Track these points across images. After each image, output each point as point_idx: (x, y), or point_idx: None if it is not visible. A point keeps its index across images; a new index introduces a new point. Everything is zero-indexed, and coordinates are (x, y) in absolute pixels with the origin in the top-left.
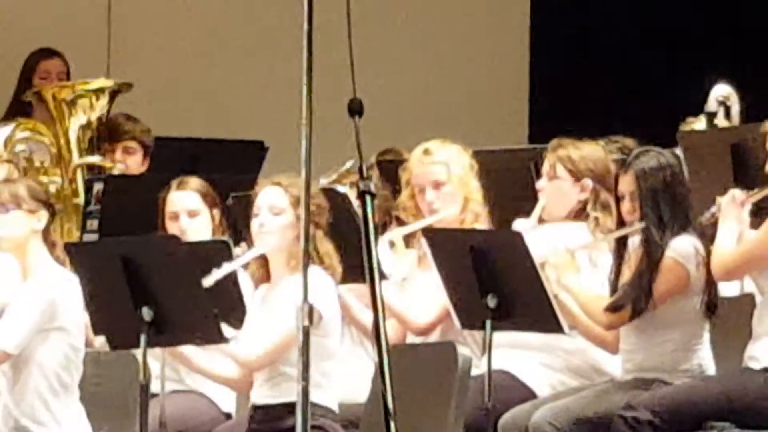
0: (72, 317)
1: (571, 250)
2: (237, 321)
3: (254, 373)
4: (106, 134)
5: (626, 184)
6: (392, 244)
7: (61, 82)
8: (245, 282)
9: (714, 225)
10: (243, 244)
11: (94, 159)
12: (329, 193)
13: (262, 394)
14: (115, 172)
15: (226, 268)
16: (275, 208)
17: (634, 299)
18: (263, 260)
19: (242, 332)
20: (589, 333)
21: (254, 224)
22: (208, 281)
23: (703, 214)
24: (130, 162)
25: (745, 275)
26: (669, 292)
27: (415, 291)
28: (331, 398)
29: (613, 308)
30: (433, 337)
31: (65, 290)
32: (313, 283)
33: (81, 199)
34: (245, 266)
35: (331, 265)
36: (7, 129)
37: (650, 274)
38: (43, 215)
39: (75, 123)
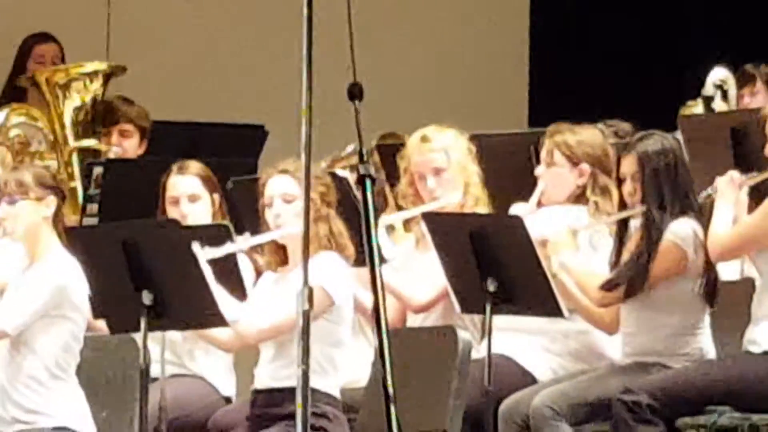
0: (77, 306)
1: (573, 229)
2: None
3: (261, 352)
4: (101, 117)
5: (628, 166)
6: (391, 229)
7: (56, 66)
8: (246, 269)
9: (711, 206)
10: (246, 234)
11: (90, 142)
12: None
13: (267, 376)
14: (111, 155)
15: (230, 248)
16: (287, 196)
17: (630, 279)
18: (278, 246)
19: (244, 310)
20: (588, 314)
21: (269, 215)
22: (209, 254)
23: (700, 194)
24: (127, 145)
25: (739, 257)
26: (665, 273)
27: (414, 270)
28: (334, 385)
29: (608, 286)
30: (433, 320)
31: (74, 279)
32: (327, 269)
33: (77, 183)
34: (255, 251)
35: (346, 245)
36: (1, 114)
37: (648, 256)
38: (52, 201)
39: (69, 106)
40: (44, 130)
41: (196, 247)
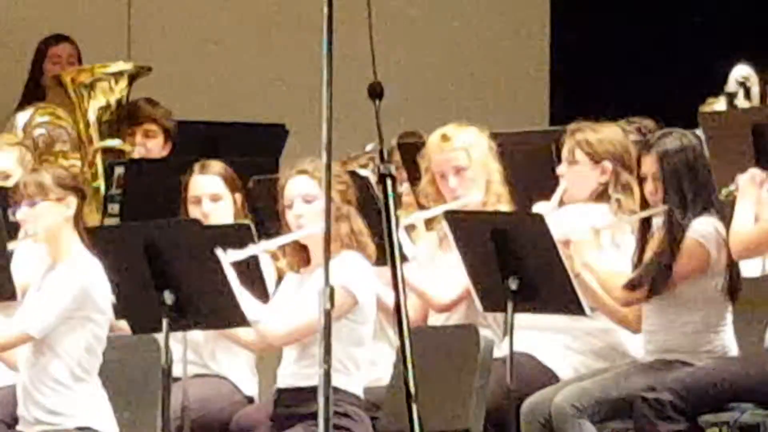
0: (100, 308)
1: (596, 229)
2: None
3: (283, 352)
4: (126, 118)
5: (649, 165)
6: (412, 228)
7: (72, 66)
8: (268, 269)
9: (732, 203)
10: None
11: (114, 143)
12: (350, 176)
13: (290, 376)
14: (135, 155)
15: (253, 249)
16: (308, 196)
17: (653, 278)
18: (300, 246)
19: (267, 312)
20: (611, 312)
21: (290, 216)
22: (232, 256)
23: (721, 191)
24: (151, 145)
25: (761, 254)
26: (689, 272)
27: (437, 270)
28: (357, 384)
29: (632, 286)
30: (456, 319)
31: (96, 280)
32: (350, 268)
33: (100, 183)
34: (277, 252)
35: (367, 244)
36: (26, 114)
37: (671, 254)
38: (72, 201)
39: (94, 106)
40: (69, 130)
41: (219, 250)
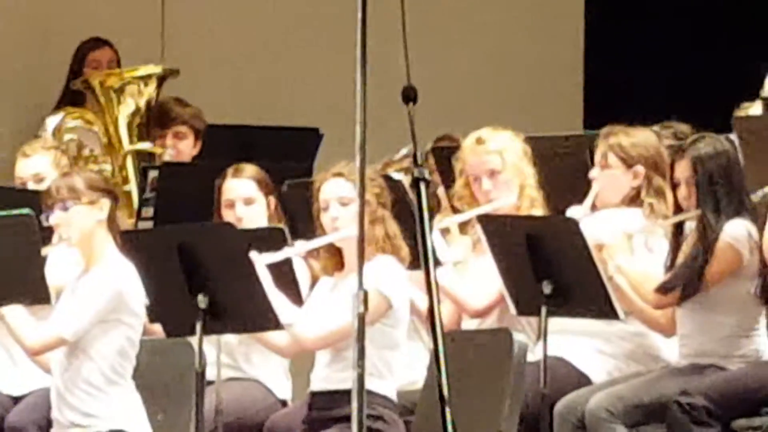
0: (133, 311)
1: (628, 233)
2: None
3: (316, 356)
4: (156, 120)
5: (682, 170)
6: (447, 231)
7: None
8: (302, 272)
9: (766, 207)
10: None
11: (144, 145)
12: (384, 180)
13: (323, 379)
14: (166, 157)
15: (287, 252)
16: (343, 199)
17: (686, 281)
18: (335, 249)
19: (301, 317)
20: (645, 316)
21: (325, 219)
22: (266, 259)
23: (755, 193)
24: (182, 146)
25: None
26: (721, 275)
27: (471, 275)
28: (390, 388)
29: (664, 289)
30: (489, 323)
31: (130, 283)
32: (384, 272)
33: (131, 186)
34: (311, 255)
35: (401, 247)
36: (56, 118)
37: (704, 257)
38: (105, 204)
39: (124, 110)
40: (99, 134)
41: (253, 253)
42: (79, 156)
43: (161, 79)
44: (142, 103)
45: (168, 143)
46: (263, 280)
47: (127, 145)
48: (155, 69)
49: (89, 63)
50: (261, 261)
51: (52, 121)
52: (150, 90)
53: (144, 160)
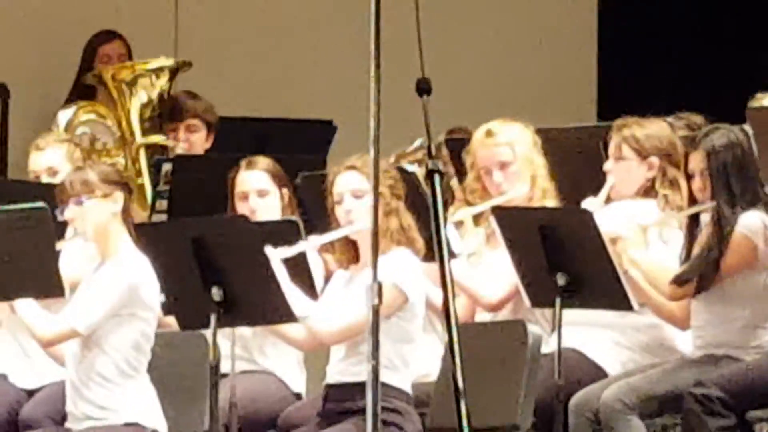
0: (148, 305)
1: (643, 226)
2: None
3: (331, 349)
4: (168, 113)
5: (696, 161)
6: (460, 224)
7: (122, 63)
8: (316, 265)
9: None
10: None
11: (157, 139)
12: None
13: (339, 372)
14: (178, 150)
15: (302, 246)
16: (357, 192)
17: (701, 272)
18: (349, 243)
19: (316, 310)
20: (660, 309)
21: (339, 212)
22: (281, 253)
23: None
24: (194, 139)
25: None
26: (736, 266)
27: (485, 268)
28: (405, 381)
29: (679, 281)
30: (504, 315)
31: (145, 277)
32: (401, 266)
33: (144, 180)
34: (325, 248)
35: (416, 239)
36: (69, 112)
37: (718, 249)
38: (119, 196)
39: (136, 103)
40: (111, 128)
41: (268, 248)
42: (92, 149)
43: (174, 72)
44: (155, 96)
45: (180, 136)
46: (279, 275)
47: (139, 138)
48: (167, 62)
49: (100, 56)
50: (276, 256)
51: (64, 115)
52: (162, 83)
53: (156, 153)
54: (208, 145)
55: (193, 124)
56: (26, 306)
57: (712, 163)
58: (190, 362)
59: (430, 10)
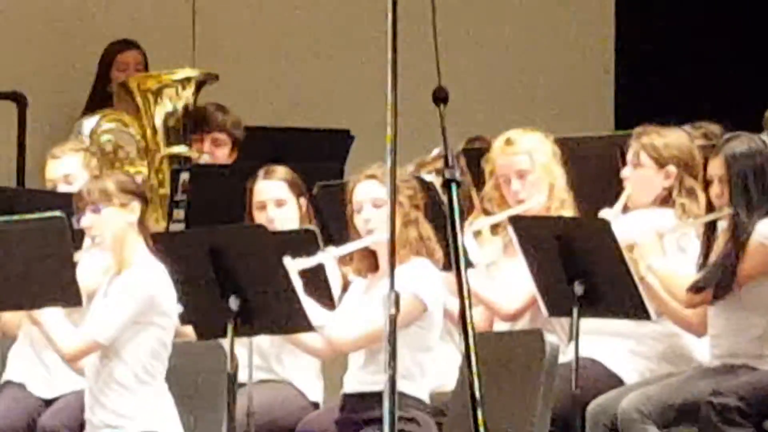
0: (165, 314)
1: (660, 233)
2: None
3: (350, 358)
4: (194, 124)
5: (716, 168)
6: (478, 233)
7: (140, 72)
8: (333, 274)
9: None
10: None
11: (181, 149)
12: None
13: (356, 382)
14: (201, 162)
15: (321, 257)
16: (377, 201)
17: (718, 280)
18: (368, 251)
19: (334, 319)
20: (676, 316)
21: (359, 221)
22: (300, 264)
23: None
24: (219, 153)
25: None
26: (753, 274)
27: (503, 278)
28: (423, 390)
29: (696, 288)
30: (521, 324)
31: (162, 286)
32: (420, 276)
33: (168, 190)
34: (342, 260)
35: (435, 249)
36: (92, 120)
37: (736, 256)
38: (136, 206)
39: (161, 113)
40: (135, 137)
41: (287, 259)
42: (115, 157)
43: (199, 84)
44: (180, 107)
45: (205, 149)
46: (295, 285)
47: (163, 149)
48: (193, 73)
49: (117, 65)
50: (294, 267)
51: (88, 124)
52: (188, 94)
53: (178, 164)
54: (230, 160)
55: (219, 138)
56: (51, 319)
57: (732, 170)
58: (207, 372)
59: (448, 19)
